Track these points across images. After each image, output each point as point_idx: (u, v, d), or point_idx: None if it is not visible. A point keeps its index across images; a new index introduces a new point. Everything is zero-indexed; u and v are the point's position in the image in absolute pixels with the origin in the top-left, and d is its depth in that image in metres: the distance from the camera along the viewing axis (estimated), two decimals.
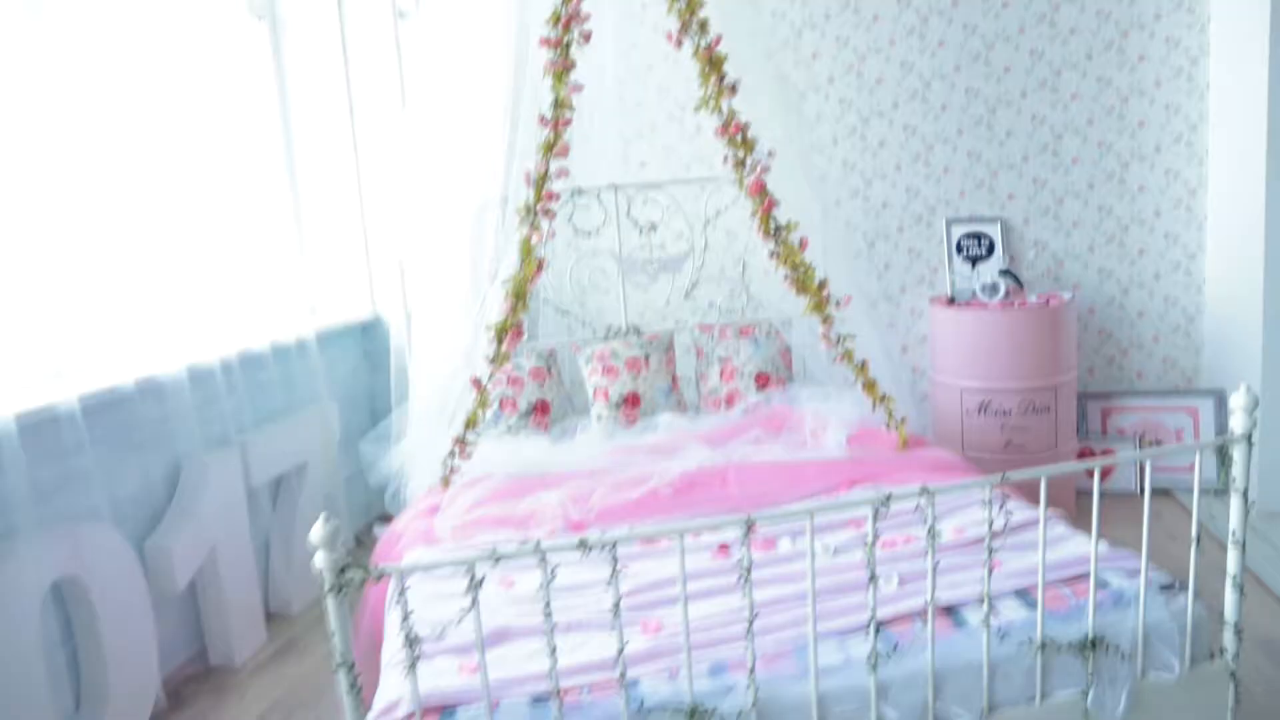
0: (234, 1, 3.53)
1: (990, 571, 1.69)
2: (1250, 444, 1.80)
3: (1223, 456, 1.79)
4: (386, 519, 3.10)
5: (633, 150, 4.10)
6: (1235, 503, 1.82)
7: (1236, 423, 1.79)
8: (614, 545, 1.51)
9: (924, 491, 1.60)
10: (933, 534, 1.63)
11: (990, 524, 1.65)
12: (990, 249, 4.04)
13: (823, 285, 2.75)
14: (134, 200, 2.87)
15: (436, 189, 3.08)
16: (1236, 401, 1.78)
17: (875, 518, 1.60)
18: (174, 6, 3.08)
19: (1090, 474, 4.01)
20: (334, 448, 3.76)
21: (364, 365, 4.23)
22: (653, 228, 3.51)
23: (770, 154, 2.72)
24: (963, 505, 2.38)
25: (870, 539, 1.61)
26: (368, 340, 4.22)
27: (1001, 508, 1.71)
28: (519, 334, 2.67)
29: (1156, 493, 3.94)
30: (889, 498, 1.59)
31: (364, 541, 3.92)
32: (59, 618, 2.54)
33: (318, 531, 1.45)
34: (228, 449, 3.16)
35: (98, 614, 2.57)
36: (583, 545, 1.49)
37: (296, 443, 3.52)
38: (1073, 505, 3.69)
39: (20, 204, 2.53)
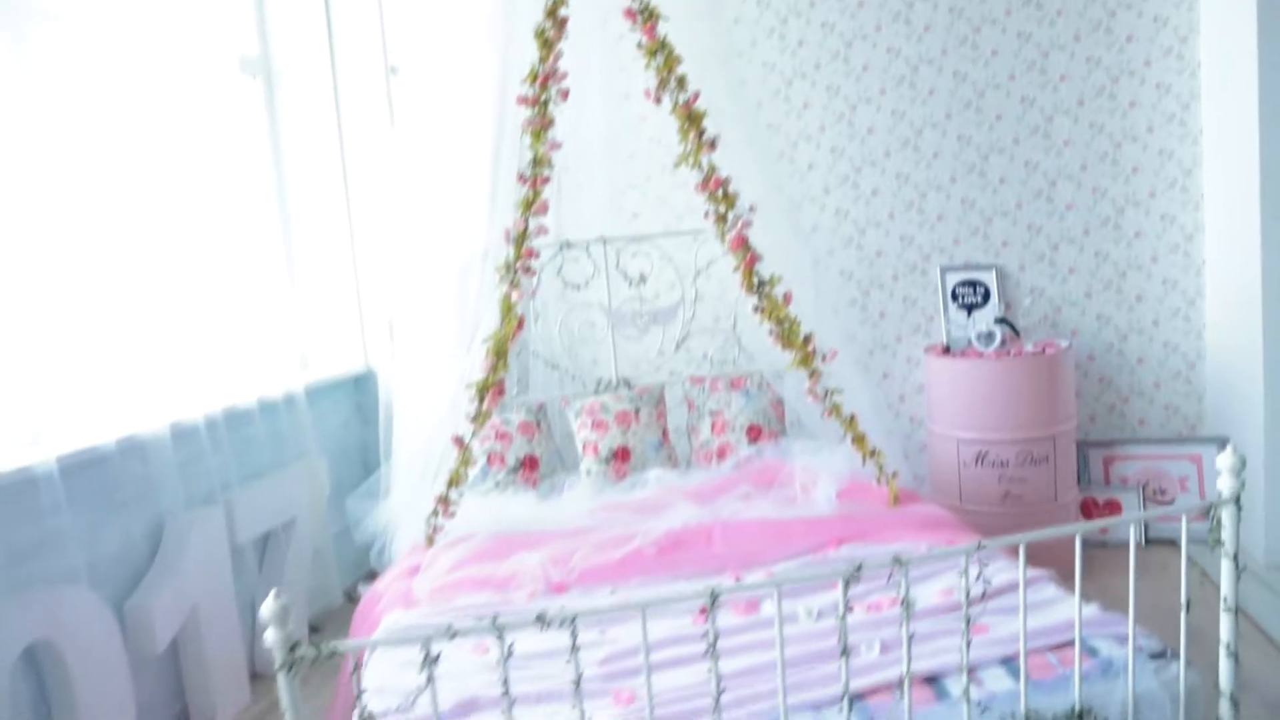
0: (226, 59, 3.56)
1: (969, 643, 1.63)
2: (1239, 506, 1.74)
3: (1212, 519, 1.74)
4: (374, 576, 3.06)
5: (625, 201, 4.10)
6: (1225, 568, 1.76)
7: (1224, 484, 1.74)
8: (574, 619, 1.47)
9: (896, 561, 1.55)
10: (907, 605, 1.57)
11: (967, 593, 1.59)
12: (986, 296, 4.01)
13: (808, 339, 2.72)
14: (120, 257, 2.87)
15: (422, 244, 3.08)
16: (1223, 463, 1.73)
17: (847, 588, 1.55)
18: (164, 63, 3.11)
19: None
20: (323, 503, 3.73)
21: (356, 418, 4.20)
22: (642, 280, 3.50)
23: (751, 208, 2.71)
24: (948, 567, 2.31)
25: (841, 610, 1.55)
26: (360, 393, 4.20)
27: (979, 576, 1.66)
28: (500, 392, 2.64)
29: (1162, 544, 3.86)
30: (859, 568, 1.54)
31: (354, 598, 3.86)
32: (32, 683, 2.49)
33: (268, 608, 1.41)
34: (212, 507, 3.13)
35: (73, 678, 2.52)
36: (540, 620, 1.44)
37: (284, 499, 3.49)
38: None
39: None
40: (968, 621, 1.60)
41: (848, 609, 2.14)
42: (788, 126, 4.09)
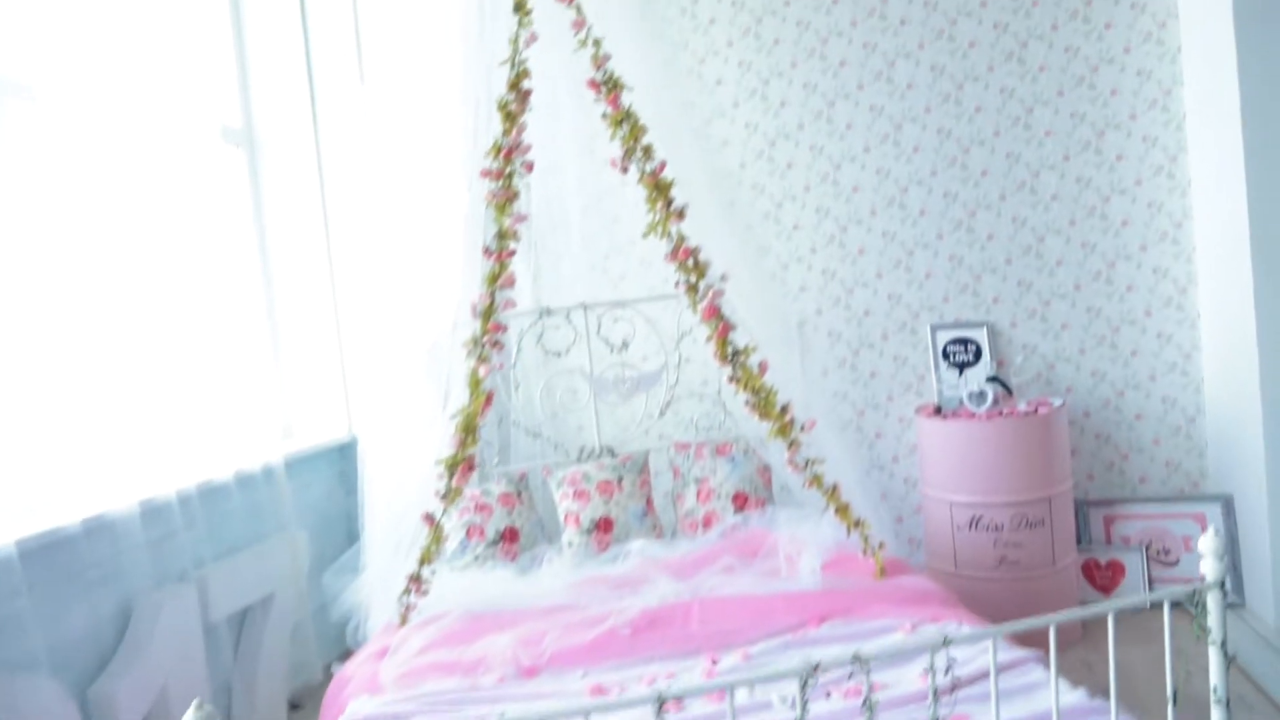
0: (208, 130, 3.56)
1: None
2: (1224, 591, 1.65)
3: (1197, 606, 1.65)
4: (349, 655, 2.97)
5: (611, 265, 4.07)
6: (1214, 657, 1.67)
7: (1207, 568, 1.65)
8: None
9: (856, 659, 1.47)
10: (869, 707, 1.48)
11: (934, 691, 1.50)
12: (977, 355, 3.94)
13: (785, 409, 2.65)
14: (92, 329, 2.82)
15: (395, 315, 3.04)
16: (1205, 546, 1.65)
17: (804, 688, 1.47)
18: (144, 134, 3.09)
19: (1095, 586, 3.82)
20: (303, 577, 3.64)
21: (340, 488, 4.13)
22: (624, 346, 3.45)
23: (723, 278, 2.66)
24: (925, 648, 2.22)
25: (799, 714, 1.47)
26: (344, 461, 4.13)
27: (948, 671, 1.57)
28: (470, 468, 2.58)
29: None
30: (817, 667, 1.45)
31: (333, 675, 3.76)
32: None
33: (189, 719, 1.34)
34: (184, 585, 3.05)
35: None
36: None
37: (261, 574, 3.40)
38: (1077, 627, 3.49)
39: None
40: None
41: (825, 695, 2.06)
42: (772, 187, 4.07)
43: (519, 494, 3.33)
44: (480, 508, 3.24)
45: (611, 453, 3.44)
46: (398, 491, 2.96)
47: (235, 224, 3.69)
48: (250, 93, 3.91)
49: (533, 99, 2.81)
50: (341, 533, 4.07)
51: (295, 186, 3.95)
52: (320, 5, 3.89)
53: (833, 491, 2.75)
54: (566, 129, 3.38)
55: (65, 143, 2.82)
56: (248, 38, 3.89)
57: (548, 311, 3.38)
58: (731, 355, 2.61)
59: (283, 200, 3.94)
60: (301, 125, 3.93)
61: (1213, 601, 1.64)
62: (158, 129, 3.17)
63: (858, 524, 2.77)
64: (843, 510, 2.76)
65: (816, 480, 2.71)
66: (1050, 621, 1.60)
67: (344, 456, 4.16)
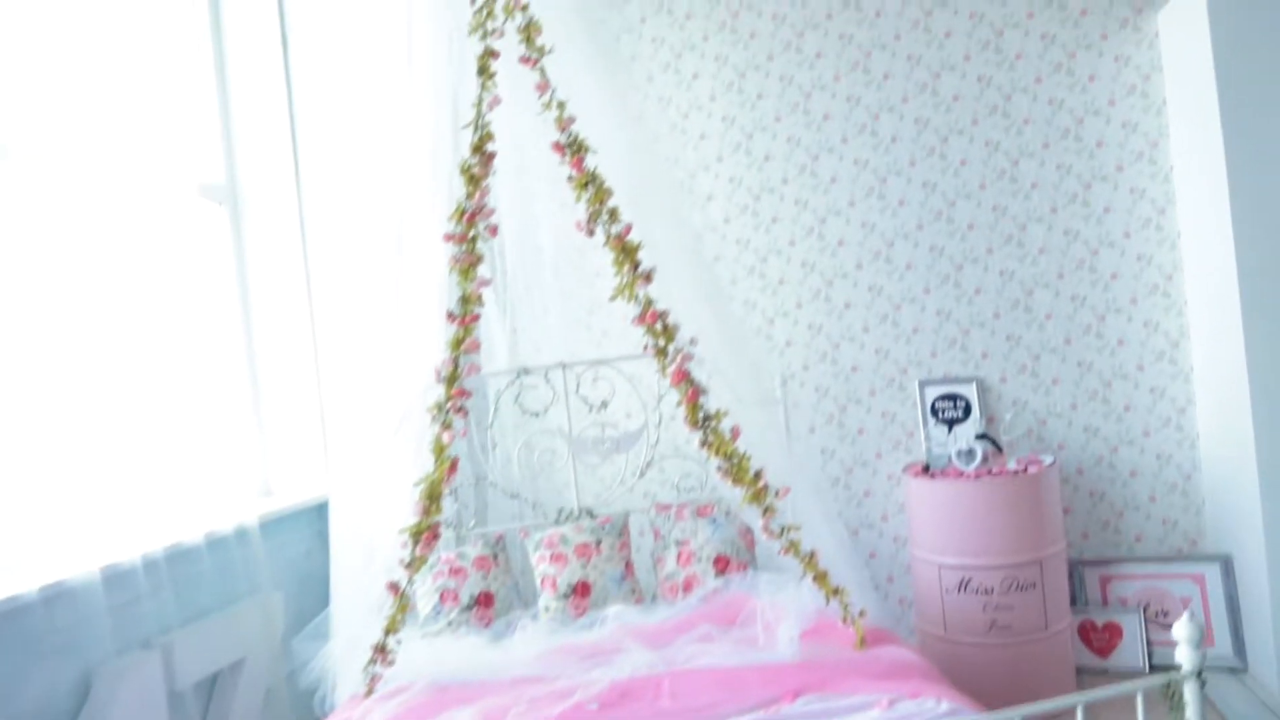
0: (188, 186, 3.55)
1: None
2: (1202, 681, 1.57)
3: (1171, 697, 1.57)
4: None
5: (595, 321, 4.03)
6: None
7: (1183, 656, 1.57)
8: None
9: None
10: None
11: None
12: (966, 410, 3.87)
13: (758, 475, 2.58)
14: (54, 389, 2.78)
15: (367, 377, 3.00)
16: (1180, 633, 1.57)
17: None
18: (121, 192, 3.08)
19: (1092, 648, 3.70)
20: (277, 640, 3.55)
21: (319, 547, 4.05)
22: (604, 405, 3.39)
23: (692, 341, 2.61)
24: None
25: None
26: (323, 521, 4.06)
27: None
28: (434, 537, 2.51)
29: (1169, 670, 3.61)
30: None
31: None
32: None
33: None
34: (148, 652, 2.97)
35: None
36: None
37: (232, 639, 3.31)
38: (1072, 690, 3.37)
39: None
40: None
41: None
42: (757, 241, 4.04)
43: (495, 557, 3.26)
44: (455, 571, 3.17)
45: (591, 514, 3.36)
46: (368, 557, 2.89)
47: (216, 280, 3.68)
48: (234, 150, 3.91)
49: (507, 156, 2.79)
50: (321, 593, 3.97)
51: (278, 243, 3.93)
52: (304, 63, 3.90)
53: (810, 558, 2.67)
54: (542, 186, 3.35)
55: (38, 201, 2.81)
56: (232, 95, 3.90)
57: (525, 371, 3.33)
58: (702, 420, 2.55)
59: (265, 256, 3.92)
60: (284, 182, 3.92)
61: (1190, 693, 1.56)
62: (134, 186, 3.16)
63: (836, 592, 2.69)
64: (821, 578, 2.68)
65: (793, 547, 2.63)
66: (1019, 715, 1.52)
67: (322, 516, 4.08)
